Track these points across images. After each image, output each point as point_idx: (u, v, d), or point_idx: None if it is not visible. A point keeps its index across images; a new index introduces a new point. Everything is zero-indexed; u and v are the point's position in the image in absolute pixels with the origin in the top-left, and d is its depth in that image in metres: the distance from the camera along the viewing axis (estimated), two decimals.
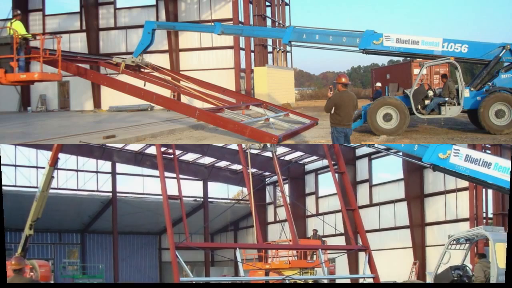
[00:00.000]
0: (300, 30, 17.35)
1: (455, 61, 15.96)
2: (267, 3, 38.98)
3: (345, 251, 12.66)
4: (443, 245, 11.72)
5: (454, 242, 11.26)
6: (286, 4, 43.98)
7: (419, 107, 16.37)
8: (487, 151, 20.37)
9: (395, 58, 37.75)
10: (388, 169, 28.85)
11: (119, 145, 30.29)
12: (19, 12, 14.89)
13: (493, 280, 9.78)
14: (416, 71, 31.97)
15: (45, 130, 20.26)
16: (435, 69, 32.09)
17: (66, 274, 31.27)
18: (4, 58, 13.77)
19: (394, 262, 25.34)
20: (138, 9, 38.92)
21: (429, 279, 11.76)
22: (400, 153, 15.69)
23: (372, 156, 28.21)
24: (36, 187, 23.26)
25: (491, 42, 16.10)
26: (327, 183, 31.77)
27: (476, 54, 16.04)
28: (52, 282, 21.29)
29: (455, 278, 10.97)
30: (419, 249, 24.81)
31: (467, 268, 11.39)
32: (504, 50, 15.65)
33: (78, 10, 39.83)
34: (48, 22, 40.83)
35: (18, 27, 14.15)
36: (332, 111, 10.22)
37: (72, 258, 35.20)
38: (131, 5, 39.31)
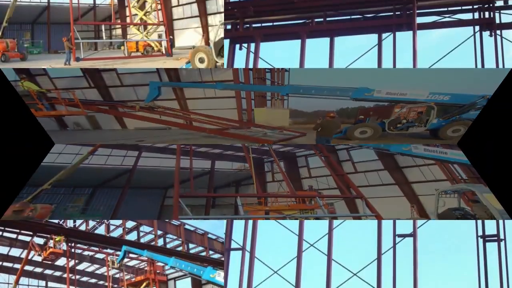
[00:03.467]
0: (297, 87, 18.49)
1: (434, 105, 16.90)
2: (267, 70, 39.24)
3: (342, 198, 12.66)
4: (434, 194, 12.30)
5: (443, 194, 11.99)
6: (286, 71, 45.84)
7: (391, 127, 18.44)
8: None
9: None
10: (364, 157, 32.07)
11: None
12: (24, 76, 15.77)
13: (497, 217, 10.32)
14: (397, 110, 35.03)
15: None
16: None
17: (65, 214, 29.92)
18: (31, 103, 14.68)
19: (391, 207, 26.14)
20: (140, 74, 37.49)
21: (433, 217, 12.21)
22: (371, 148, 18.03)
23: (350, 149, 31.42)
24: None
25: (474, 94, 16.49)
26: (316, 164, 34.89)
27: (455, 101, 16.78)
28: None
29: (459, 217, 11.53)
30: (412, 197, 26.23)
31: (466, 209, 11.96)
32: (483, 99, 16.09)
33: (81, 74, 36.84)
34: (57, 82, 37.50)
35: (29, 85, 14.89)
36: (319, 130, 12.88)
37: (77, 203, 33.80)
38: (133, 71, 37.58)
